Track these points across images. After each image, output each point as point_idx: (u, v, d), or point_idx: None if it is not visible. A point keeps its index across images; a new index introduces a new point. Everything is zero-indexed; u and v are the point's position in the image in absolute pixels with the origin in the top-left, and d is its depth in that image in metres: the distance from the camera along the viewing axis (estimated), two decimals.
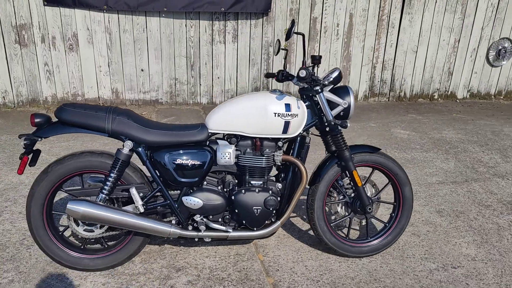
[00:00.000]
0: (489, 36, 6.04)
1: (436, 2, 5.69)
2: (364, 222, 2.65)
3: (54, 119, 2.20)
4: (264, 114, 2.22)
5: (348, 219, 2.58)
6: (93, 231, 2.25)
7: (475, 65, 6.17)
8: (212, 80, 5.40)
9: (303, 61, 2.29)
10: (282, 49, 2.49)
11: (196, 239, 2.36)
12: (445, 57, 6.01)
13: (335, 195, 2.56)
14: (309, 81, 2.26)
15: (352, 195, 2.54)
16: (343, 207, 2.59)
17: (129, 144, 2.15)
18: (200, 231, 2.29)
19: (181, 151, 2.21)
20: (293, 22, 2.28)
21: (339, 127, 2.28)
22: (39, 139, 2.13)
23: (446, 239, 2.81)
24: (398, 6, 5.60)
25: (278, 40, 2.48)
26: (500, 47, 6.13)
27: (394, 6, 5.59)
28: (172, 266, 2.40)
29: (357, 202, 2.50)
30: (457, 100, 6.28)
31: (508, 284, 2.40)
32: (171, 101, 5.36)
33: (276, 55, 2.59)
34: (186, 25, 5.08)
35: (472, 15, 5.88)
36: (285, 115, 2.24)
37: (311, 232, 2.79)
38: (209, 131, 2.26)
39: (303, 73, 2.19)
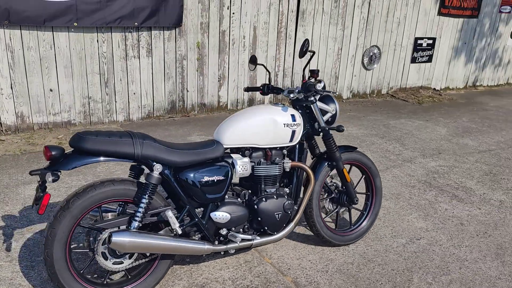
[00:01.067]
0: (363, 44, 7.05)
1: (322, 16, 6.43)
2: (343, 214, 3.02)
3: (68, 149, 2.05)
4: (275, 125, 2.41)
5: (335, 212, 2.92)
6: (123, 263, 2.16)
7: (354, 69, 7.13)
8: (128, 97, 5.23)
9: (303, 75, 2.56)
10: (259, 64, 2.75)
11: (222, 252, 2.43)
12: (332, 63, 6.82)
13: (322, 192, 2.87)
14: (306, 93, 2.53)
15: (336, 190, 2.89)
16: (330, 202, 2.91)
17: (158, 167, 2.13)
18: (225, 244, 2.37)
19: (206, 169, 2.27)
20: (306, 41, 2.51)
21: (336, 131, 2.59)
22: (59, 173, 1.97)
23: (400, 218, 3.35)
24: (293, 19, 6.18)
25: (254, 56, 2.72)
26: (371, 53, 7.19)
27: (290, 19, 6.15)
28: (194, 285, 2.42)
29: (343, 196, 2.84)
30: (343, 100, 7.18)
31: (458, 244, 3.01)
32: (85, 121, 5.03)
33: (253, 70, 2.79)
34: (98, 40, 4.84)
35: (350, 27, 6.80)
36: (292, 125, 2.47)
37: (296, 230, 3.04)
38: (224, 146, 2.35)
39: (321, 85, 2.48)
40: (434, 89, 8.31)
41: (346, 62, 6.97)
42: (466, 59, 8.66)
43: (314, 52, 2.56)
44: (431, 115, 6.60)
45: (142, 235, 2.06)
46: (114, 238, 1.98)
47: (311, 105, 2.59)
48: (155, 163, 2.13)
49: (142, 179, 2.23)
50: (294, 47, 6.32)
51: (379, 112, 6.60)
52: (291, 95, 2.58)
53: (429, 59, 8.03)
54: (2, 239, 2.73)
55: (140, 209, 2.10)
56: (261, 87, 2.74)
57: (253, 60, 2.73)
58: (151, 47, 5.19)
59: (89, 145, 1.99)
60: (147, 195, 2.12)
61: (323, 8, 6.39)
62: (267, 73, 5.88)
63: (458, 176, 4.21)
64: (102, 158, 2.04)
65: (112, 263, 2.13)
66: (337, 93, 3.84)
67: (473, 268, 2.73)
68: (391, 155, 4.71)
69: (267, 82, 2.99)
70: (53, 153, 1.96)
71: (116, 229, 2.10)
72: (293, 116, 2.49)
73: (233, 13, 5.63)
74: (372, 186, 2.99)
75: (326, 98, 2.73)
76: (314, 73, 2.61)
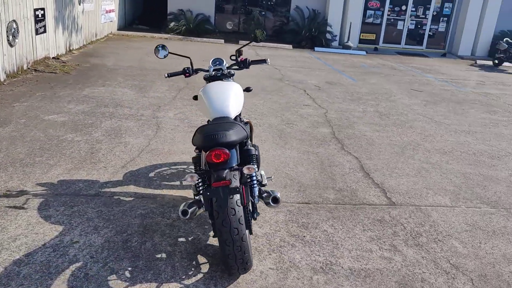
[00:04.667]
0: (4, 19, 6.48)
1: None
2: None
3: None
4: (242, 95, 3.23)
5: None
6: None
7: (3, 48, 6.50)
8: None
9: (236, 55, 3.41)
10: (173, 53, 3.37)
11: None
12: None
13: None
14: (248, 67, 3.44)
15: None
16: None
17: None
18: None
19: None
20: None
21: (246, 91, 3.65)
22: None
23: None
24: None
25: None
26: (12, 29, 6.72)
27: None
28: (290, 233, 3.11)
29: None
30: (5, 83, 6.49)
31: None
32: None
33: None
34: None
35: None
36: None
37: None
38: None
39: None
40: (53, 57, 8.61)
41: None
42: (62, 26, 9.28)
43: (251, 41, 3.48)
44: (96, 81, 7.31)
45: None
46: None
47: (230, 77, 3.45)
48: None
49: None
50: None
51: (56, 88, 6.65)
52: (218, 72, 3.37)
53: (45, 30, 8.20)
54: None
55: None
56: (187, 71, 3.33)
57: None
58: None
59: None
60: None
61: None
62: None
63: None
64: None
65: None
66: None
67: None
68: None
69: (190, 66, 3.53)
70: None
71: None
72: None
73: None
74: None
75: None
76: (240, 53, 3.50)
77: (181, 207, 2.57)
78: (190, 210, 2.56)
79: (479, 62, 14.93)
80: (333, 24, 15.31)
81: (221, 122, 2.55)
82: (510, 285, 2.75)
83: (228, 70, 3.45)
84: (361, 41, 16.10)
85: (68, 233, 2.91)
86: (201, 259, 2.75)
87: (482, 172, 4.64)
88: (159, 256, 2.75)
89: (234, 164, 2.39)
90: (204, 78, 3.49)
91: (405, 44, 16.60)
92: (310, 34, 14.74)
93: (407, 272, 2.80)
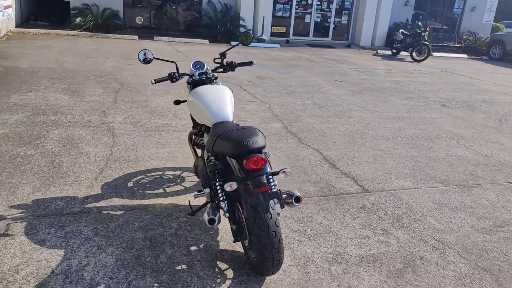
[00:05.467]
0: None
1: None
2: None
3: None
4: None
5: None
6: None
7: None
8: None
9: (221, 58, 3.43)
10: (158, 59, 3.38)
11: None
12: None
13: None
14: (234, 70, 3.49)
15: None
16: None
17: None
18: None
19: None
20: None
21: None
22: None
23: None
24: None
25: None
26: None
27: None
28: None
29: None
30: None
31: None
32: None
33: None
34: None
35: None
36: None
37: None
38: None
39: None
40: None
41: None
42: None
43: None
44: None
45: None
46: None
47: (214, 80, 3.48)
48: None
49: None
50: None
51: None
52: (203, 76, 3.39)
53: None
54: None
55: None
56: (173, 76, 3.30)
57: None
58: None
59: None
60: None
61: None
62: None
63: None
64: None
65: None
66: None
67: None
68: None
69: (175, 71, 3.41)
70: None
71: None
72: None
73: None
74: None
75: None
76: (224, 56, 3.51)
77: (207, 217, 2.56)
78: (216, 218, 2.57)
79: (380, 52, 16.29)
80: (246, 18, 15.57)
81: (241, 128, 2.57)
82: (488, 251, 3.18)
83: (213, 73, 3.45)
84: (272, 34, 16.59)
85: (73, 256, 2.71)
86: (222, 265, 2.76)
87: (425, 154, 5.19)
88: (179, 267, 2.70)
89: (269, 170, 2.44)
90: (188, 83, 3.44)
91: (313, 36, 17.47)
92: (225, 28, 14.82)
93: (405, 252, 3.09)
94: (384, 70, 11.94)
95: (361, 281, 2.72)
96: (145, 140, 4.83)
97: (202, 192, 3.08)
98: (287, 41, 16.41)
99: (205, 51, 12.39)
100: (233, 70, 3.52)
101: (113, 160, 4.23)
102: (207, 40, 14.58)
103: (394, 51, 15.54)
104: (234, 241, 2.73)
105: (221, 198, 2.68)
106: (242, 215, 2.54)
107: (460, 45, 18.41)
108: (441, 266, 2.95)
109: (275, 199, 2.34)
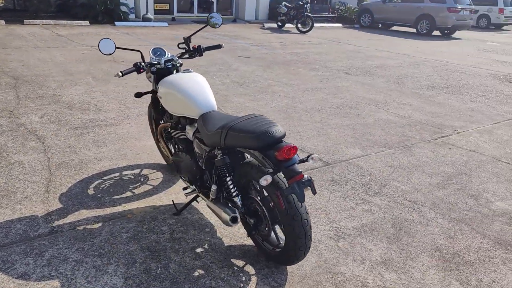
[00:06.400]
0: None
1: None
2: None
3: None
4: None
5: None
6: None
7: None
8: None
9: (187, 43, 3.20)
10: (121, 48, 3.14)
11: None
12: None
13: None
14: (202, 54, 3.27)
15: None
16: None
17: None
18: None
19: None
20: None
21: None
22: None
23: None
24: None
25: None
26: None
27: None
28: None
29: None
30: None
31: None
32: None
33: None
34: None
35: None
36: None
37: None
38: None
39: None
40: None
41: None
42: None
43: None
44: None
45: None
46: None
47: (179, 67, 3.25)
48: None
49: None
50: None
51: None
52: (169, 64, 3.15)
53: None
54: None
55: None
56: (141, 66, 3.02)
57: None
58: None
59: None
60: None
61: None
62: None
63: None
64: None
65: None
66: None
67: None
68: None
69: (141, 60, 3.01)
70: None
71: None
72: None
73: None
74: None
75: None
76: (190, 40, 3.25)
77: (228, 216, 2.43)
78: (237, 215, 2.44)
79: (266, 25, 16.64)
80: None
81: (251, 117, 2.43)
82: (453, 204, 3.54)
83: (178, 61, 3.19)
84: (156, 12, 15.84)
85: (73, 284, 2.34)
86: (238, 262, 2.63)
87: (357, 121, 5.51)
88: (196, 274, 2.50)
89: (298, 158, 2.35)
90: (152, 72, 3.13)
91: (198, 12, 17.11)
92: (106, 7, 13.70)
93: (391, 217, 3.28)
94: (279, 43, 12.26)
95: (370, 252, 2.83)
96: (79, 140, 4.30)
97: (193, 189, 2.88)
98: (173, 19, 15.82)
99: (88, 33, 11.36)
100: (201, 55, 3.29)
101: (55, 167, 3.70)
102: (87, 22, 13.35)
103: (280, 23, 16.01)
104: (248, 235, 2.63)
105: (234, 194, 2.53)
106: (266, 207, 2.44)
107: (333, 15, 19.68)
108: (425, 225, 3.21)
109: (308, 187, 2.28)
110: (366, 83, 7.80)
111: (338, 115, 5.73)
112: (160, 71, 3.15)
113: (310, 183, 2.25)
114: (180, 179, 3.55)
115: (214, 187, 2.63)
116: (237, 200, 2.53)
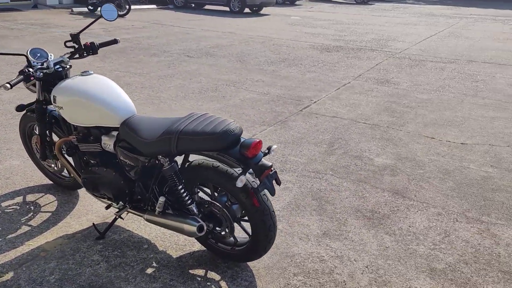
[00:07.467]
0: None
1: None
2: None
3: None
4: None
5: None
6: None
7: None
8: None
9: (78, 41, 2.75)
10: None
11: None
12: None
13: None
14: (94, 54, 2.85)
15: None
16: None
17: None
18: None
19: None
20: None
21: None
22: None
23: None
24: None
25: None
26: None
27: None
28: None
29: None
30: None
31: None
32: None
33: None
34: None
35: None
36: None
37: None
38: None
39: None
40: None
41: None
42: None
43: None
44: None
45: None
46: None
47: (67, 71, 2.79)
48: None
49: None
50: None
51: None
52: (59, 67, 2.69)
53: None
54: None
55: None
56: (31, 73, 2.55)
57: None
58: None
59: None
60: None
61: None
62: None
63: None
64: None
65: None
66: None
67: None
68: None
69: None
70: None
71: None
72: None
73: None
74: None
75: None
76: (77, 37, 2.77)
77: (194, 227, 2.24)
78: (203, 223, 2.29)
79: (75, 10, 15.15)
80: None
81: (197, 117, 2.24)
82: (346, 166, 3.94)
83: (70, 63, 2.72)
84: None
85: None
86: (197, 271, 2.46)
87: (227, 103, 5.57)
88: (199, 283, 2.25)
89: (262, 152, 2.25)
90: (37, 79, 2.60)
91: None
92: None
93: (306, 189, 3.48)
94: (100, 29, 11.35)
95: (308, 227, 2.97)
96: None
97: (125, 207, 2.56)
98: None
99: None
100: (96, 53, 2.83)
101: None
102: None
103: (91, 7, 14.76)
104: (201, 243, 2.48)
105: (188, 202, 2.33)
106: (225, 206, 2.32)
107: None
108: (337, 191, 3.51)
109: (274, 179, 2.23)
110: (212, 64, 7.88)
111: (205, 99, 5.69)
112: (48, 77, 2.63)
113: (276, 174, 2.22)
114: (93, 198, 3.08)
115: (162, 199, 2.36)
116: (193, 207, 2.34)
